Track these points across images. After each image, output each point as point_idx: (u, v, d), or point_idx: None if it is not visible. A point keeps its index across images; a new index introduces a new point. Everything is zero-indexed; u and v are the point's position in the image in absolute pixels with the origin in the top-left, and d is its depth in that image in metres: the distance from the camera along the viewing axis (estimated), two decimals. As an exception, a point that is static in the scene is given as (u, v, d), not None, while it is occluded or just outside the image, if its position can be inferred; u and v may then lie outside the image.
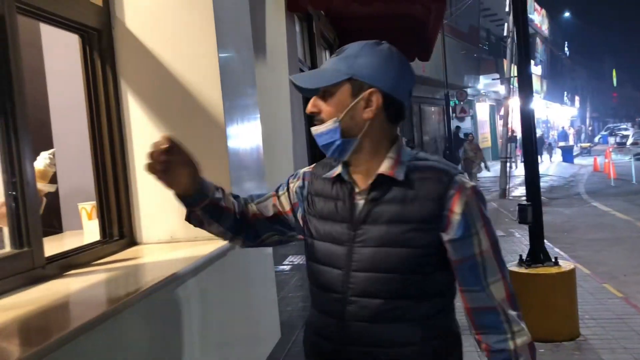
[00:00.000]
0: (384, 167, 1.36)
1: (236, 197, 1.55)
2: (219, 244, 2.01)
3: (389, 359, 1.37)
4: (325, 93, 1.36)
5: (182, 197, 1.44)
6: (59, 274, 1.67)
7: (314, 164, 1.54)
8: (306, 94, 1.42)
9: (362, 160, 1.39)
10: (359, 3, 4.54)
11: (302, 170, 1.57)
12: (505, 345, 1.35)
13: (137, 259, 1.90)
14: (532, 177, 5.26)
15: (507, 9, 18.35)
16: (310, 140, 5.46)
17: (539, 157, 16.92)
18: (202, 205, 1.45)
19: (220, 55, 2.07)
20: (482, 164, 17.74)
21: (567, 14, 60.95)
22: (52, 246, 1.84)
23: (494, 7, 27.09)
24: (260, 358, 2.41)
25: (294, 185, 1.55)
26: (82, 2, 1.99)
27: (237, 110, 2.23)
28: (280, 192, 1.56)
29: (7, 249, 1.56)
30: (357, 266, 1.36)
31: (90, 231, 2.60)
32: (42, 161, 1.70)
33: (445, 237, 1.34)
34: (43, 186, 1.67)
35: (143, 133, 2.12)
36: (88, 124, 2.08)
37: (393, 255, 1.34)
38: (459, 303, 1.44)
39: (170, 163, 1.35)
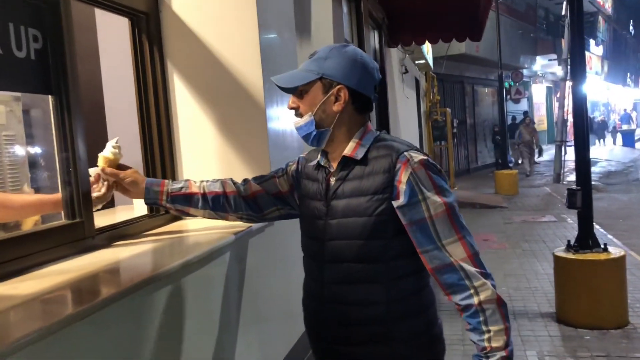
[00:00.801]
0: (347, 150, 1.61)
1: (234, 182, 1.85)
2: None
3: (360, 317, 1.57)
4: (302, 91, 1.61)
5: (144, 201, 1.82)
6: (107, 244, 1.78)
7: (309, 152, 1.79)
8: (287, 92, 1.66)
9: (336, 147, 1.63)
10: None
11: (299, 157, 1.83)
12: (471, 300, 1.49)
13: (182, 232, 2.01)
14: (582, 161, 5.14)
15: (565, -12, 17.67)
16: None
17: (601, 140, 16.13)
18: (163, 200, 1.79)
19: (261, 36, 2.12)
20: (537, 148, 17.76)
21: (633, -9, 57.91)
22: (103, 219, 1.96)
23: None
24: (297, 334, 2.49)
25: (291, 169, 1.82)
26: (132, -14, 2.08)
27: (277, 91, 2.29)
28: (279, 174, 1.83)
29: (62, 220, 1.69)
30: (329, 236, 1.59)
31: (139, 206, 2.74)
32: (109, 150, 1.82)
33: (395, 204, 1.52)
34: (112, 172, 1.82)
35: (188, 113, 2.21)
36: (136, 104, 2.18)
37: (354, 224, 1.55)
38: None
39: (111, 186, 1.78)
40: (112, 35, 2.57)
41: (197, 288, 1.70)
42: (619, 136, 30.15)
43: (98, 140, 2.05)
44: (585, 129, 5.17)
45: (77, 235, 1.66)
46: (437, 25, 7.43)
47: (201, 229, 2.02)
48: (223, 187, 1.84)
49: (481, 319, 1.47)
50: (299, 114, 1.64)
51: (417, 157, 1.54)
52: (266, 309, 2.20)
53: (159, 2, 2.19)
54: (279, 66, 2.33)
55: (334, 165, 1.64)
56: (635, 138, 29.27)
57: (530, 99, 26.49)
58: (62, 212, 1.70)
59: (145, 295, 1.38)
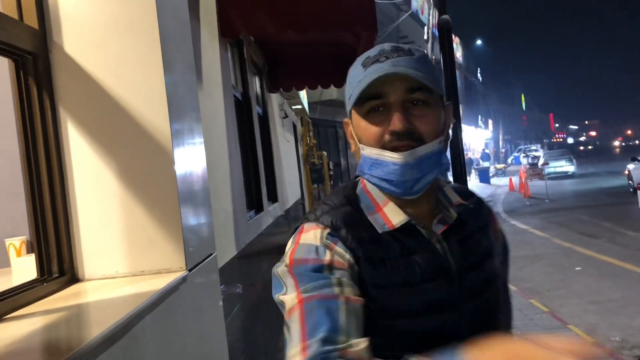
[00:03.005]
0: (455, 197, 1.16)
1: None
2: (169, 277, 1.91)
3: None
4: (424, 103, 1.05)
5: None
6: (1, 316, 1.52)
7: (323, 225, 1.08)
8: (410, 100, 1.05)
9: (429, 194, 1.12)
10: (293, 30, 4.55)
11: (321, 234, 1.07)
12: None
13: (83, 298, 1.78)
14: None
15: (425, 37, 19.09)
16: (248, 165, 5.40)
17: (469, 176, 17.13)
18: None
19: (166, 80, 2.00)
20: None
21: (478, 42, 64.22)
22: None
23: (412, 35, 28.13)
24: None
25: (343, 260, 1.05)
26: (16, 25, 1.87)
27: (184, 135, 2.16)
28: (347, 288, 1.02)
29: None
30: (474, 327, 1.05)
31: (20, 269, 2.42)
32: None
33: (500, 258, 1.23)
34: None
35: (85, 162, 2.00)
36: (22, 153, 1.94)
37: (496, 299, 1.14)
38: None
39: None
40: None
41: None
42: (473, 173, 32.63)
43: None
44: (461, 165, 5.51)
45: (-39, 311, 1.40)
46: (316, 71, 7.61)
47: (105, 294, 1.80)
48: None
49: None
50: (416, 137, 1.04)
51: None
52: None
53: (47, 42, 1.99)
54: (184, 110, 2.20)
55: (425, 224, 1.11)
56: (490, 174, 31.85)
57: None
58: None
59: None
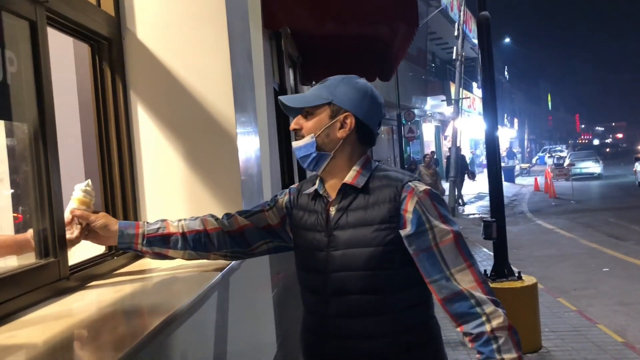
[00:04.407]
0: (348, 177, 1.60)
1: (216, 218, 1.78)
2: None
3: (365, 350, 1.53)
4: (308, 113, 1.62)
5: (118, 246, 1.74)
6: (82, 285, 1.63)
7: (301, 182, 1.79)
8: (290, 114, 1.70)
9: (335, 174, 1.62)
10: (333, 22, 4.62)
11: (290, 187, 1.81)
12: (483, 328, 1.46)
13: (153, 271, 1.88)
14: (496, 194, 5.47)
15: (455, 33, 19.00)
16: (283, 156, 5.48)
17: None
18: (139, 244, 1.72)
19: (232, 69, 2.09)
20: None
21: (507, 40, 63.51)
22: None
23: (440, 32, 27.97)
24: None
25: (283, 200, 1.78)
26: (95, 11, 1.97)
27: (245, 124, 2.25)
28: (267, 207, 1.79)
29: (35, 260, 1.52)
30: (332, 268, 1.56)
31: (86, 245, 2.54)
32: (79, 192, 1.69)
33: (403, 233, 1.52)
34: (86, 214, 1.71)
35: (153, 145, 2.10)
36: (95, 135, 2.05)
37: (360, 255, 1.53)
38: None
39: (84, 228, 1.67)
40: (64, 63, 2.41)
41: (193, 331, 1.59)
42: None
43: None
44: (497, 164, 5.52)
45: (52, 277, 1.51)
46: (349, 65, 7.66)
47: (172, 268, 1.90)
48: (204, 224, 1.75)
49: (494, 346, 1.45)
50: (300, 136, 1.64)
51: (422, 186, 1.57)
52: (236, 345, 2.11)
53: (122, 28, 2.09)
54: (245, 99, 2.29)
55: (333, 194, 1.64)
56: (515, 174, 31.56)
57: (420, 137, 27.87)
58: (35, 251, 1.54)
59: (163, 339, 1.27)
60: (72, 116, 2.52)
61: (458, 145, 17.27)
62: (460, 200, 16.79)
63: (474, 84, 33.00)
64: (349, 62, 7.81)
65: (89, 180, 1.74)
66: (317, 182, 1.67)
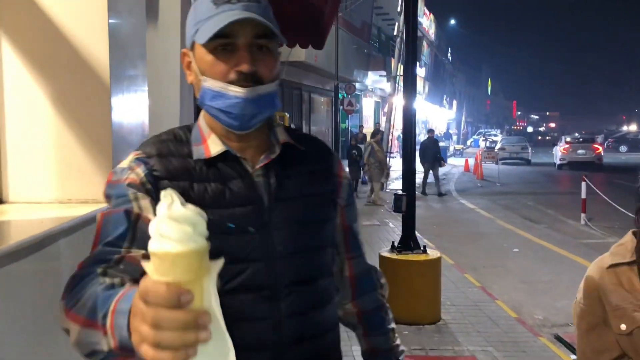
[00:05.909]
0: (283, 136, 1.21)
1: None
2: (94, 207, 1.93)
3: (321, 349, 1.21)
4: (266, 48, 1.14)
5: None
6: None
7: (140, 150, 1.17)
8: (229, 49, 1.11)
9: (259, 132, 1.19)
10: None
11: (132, 171, 1.13)
12: (383, 300, 1.39)
13: (3, 217, 1.78)
14: (408, 170, 5.57)
15: (398, 9, 19.08)
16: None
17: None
18: None
19: (110, 19, 1.98)
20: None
21: (452, 22, 64.45)
22: None
23: (387, 7, 28.00)
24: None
25: (140, 180, 1.12)
26: None
27: (124, 80, 2.15)
28: (134, 209, 1.09)
29: None
30: (279, 253, 1.15)
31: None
32: None
33: (341, 202, 1.30)
34: None
35: (18, 83, 1.98)
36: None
37: (314, 230, 1.21)
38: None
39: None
40: None
41: (24, 277, 1.52)
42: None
43: None
44: (412, 142, 5.61)
45: None
46: (282, 30, 7.54)
47: (27, 216, 1.81)
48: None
49: (390, 316, 1.39)
50: (257, 79, 1.12)
51: None
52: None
53: (-11, -42, 1.94)
54: (127, 53, 2.18)
55: (251, 158, 1.19)
56: (448, 154, 32.34)
57: (360, 112, 28.03)
58: None
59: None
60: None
61: (430, 127, 17.34)
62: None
63: (417, 63, 33.34)
64: (282, 27, 7.69)
65: None
66: (218, 142, 1.17)
